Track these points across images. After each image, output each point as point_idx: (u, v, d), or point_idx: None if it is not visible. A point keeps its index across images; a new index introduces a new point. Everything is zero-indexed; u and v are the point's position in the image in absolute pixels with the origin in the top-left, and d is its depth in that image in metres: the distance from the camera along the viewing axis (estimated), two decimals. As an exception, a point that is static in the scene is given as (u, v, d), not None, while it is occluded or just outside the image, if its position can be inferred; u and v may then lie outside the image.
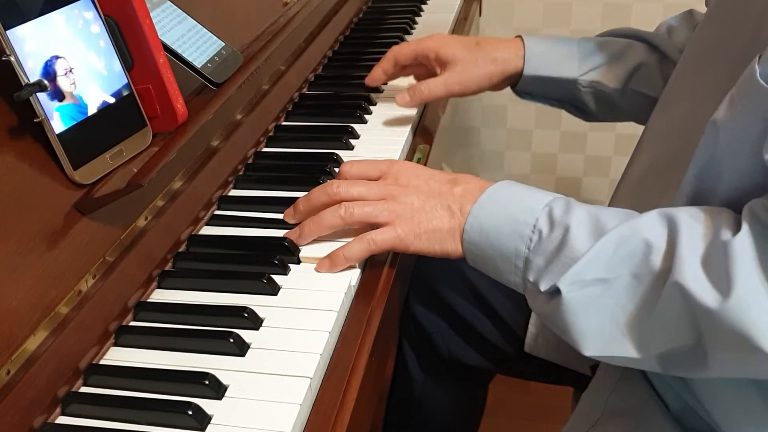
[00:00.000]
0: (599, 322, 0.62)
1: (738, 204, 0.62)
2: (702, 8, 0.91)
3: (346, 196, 0.73)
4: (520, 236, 0.66)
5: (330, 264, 0.70)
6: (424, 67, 1.00)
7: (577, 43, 0.99)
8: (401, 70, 1.01)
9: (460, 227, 0.70)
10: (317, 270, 0.71)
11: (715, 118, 0.63)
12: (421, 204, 0.71)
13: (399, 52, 0.99)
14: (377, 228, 0.71)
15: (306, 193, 0.76)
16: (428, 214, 0.71)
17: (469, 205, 0.70)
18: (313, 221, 0.73)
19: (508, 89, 1.03)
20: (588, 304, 0.62)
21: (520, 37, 1.00)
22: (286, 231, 0.75)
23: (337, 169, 0.86)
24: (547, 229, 0.65)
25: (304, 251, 0.73)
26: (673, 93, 0.83)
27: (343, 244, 0.71)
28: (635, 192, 0.81)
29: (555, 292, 0.63)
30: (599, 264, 0.62)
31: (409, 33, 1.29)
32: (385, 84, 1.07)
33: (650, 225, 0.62)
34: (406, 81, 1.05)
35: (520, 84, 0.99)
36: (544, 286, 0.64)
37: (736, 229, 0.58)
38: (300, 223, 0.74)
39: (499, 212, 0.68)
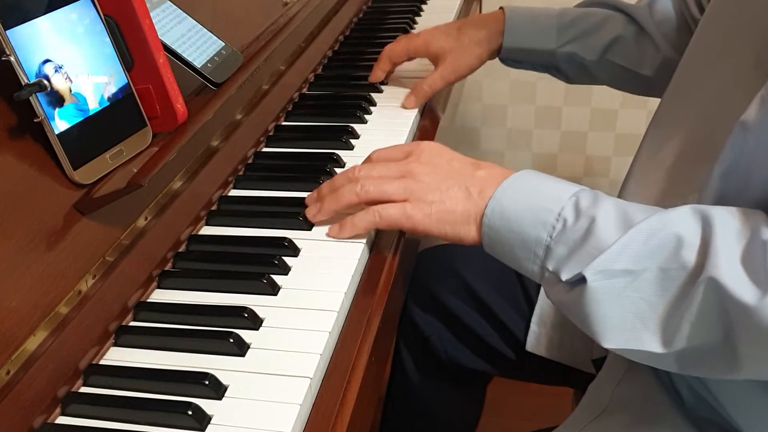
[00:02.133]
0: (622, 314, 0.61)
1: (765, 204, 0.61)
2: None
3: (366, 176, 0.73)
4: (542, 224, 0.65)
5: (338, 229, 0.73)
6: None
7: (557, 14, 1.04)
8: (396, 65, 1.08)
9: (478, 211, 0.68)
10: (328, 235, 0.73)
11: (744, 120, 0.62)
12: (437, 183, 0.70)
13: (392, 52, 1.05)
14: None
15: (312, 191, 0.78)
16: (443, 193, 0.70)
17: (491, 189, 0.68)
18: (331, 197, 0.74)
19: (508, 97, 1.06)
20: (612, 295, 0.61)
21: (502, 9, 1.05)
22: (304, 207, 0.77)
23: (337, 169, 0.86)
24: (572, 218, 0.64)
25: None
26: (686, 83, 0.82)
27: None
28: (652, 187, 0.80)
29: (579, 281, 0.62)
30: (627, 255, 0.61)
31: (409, 32, 1.29)
32: (384, 83, 1.08)
33: (682, 220, 0.61)
34: (404, 76, 1.08)
35: (502, 54, 1.06)
36: (566, 275, 0.63)
37: None
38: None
39: (523, 198, 0.67)
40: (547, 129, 1.93)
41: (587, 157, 1.96)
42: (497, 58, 1.07)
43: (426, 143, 0.76)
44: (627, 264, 0.60)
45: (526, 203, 0.66)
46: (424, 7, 1.41)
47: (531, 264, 0.66)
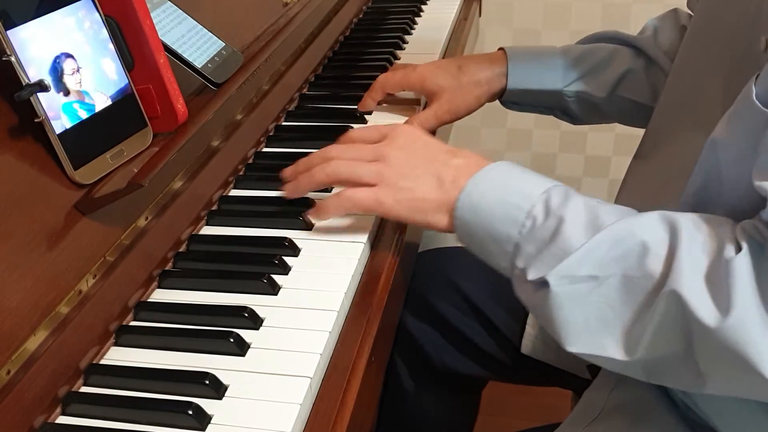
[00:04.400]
0: (585, 318, 0.61)
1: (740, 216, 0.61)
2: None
3: (339, 156, 0.72)
4: (513, 221, 0.64)
5: (315, 212, 0.73)
6: None
7: (562, 52, 0.99)
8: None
9: (450, 201, 0.67)
10: (311, 216, 0.74)
11: (714, 137, 0.62)
12: (409, 169, 0.70)
13: (386, 83, 1.00)
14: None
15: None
16: (414, 180, 0.69)
17: (464, 179, 0.67)
18: (305, 176, 0.74)
19: None
20: (576, 300, 0.61)
21: (502, 49, 1.00)
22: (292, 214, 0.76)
23: (337, 169, 0.86)
24: (542, 217, 0.63)
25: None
26: (670, 101, 0.83)
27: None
28: (646, 192, 0.80)
29: (543, 283, 0.62)
30: (592, 261, 0.60)
31: (409, 33, 1.29)
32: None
33: (650, 227, 0.61)
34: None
35: (505, 97, 1.00)
36: (532, 276, 0.62)
37: (738, 245, 0.57)
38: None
39: (494, 193, 0.66)
40: (547, 129, 1.92)
41: (587, 157, 1.96)
42: (497, 101, 1.02)
43: (404, 126, 0.75)
44: (591, 270, 0.60)
45: (497, 198, 0.65)
46: (424, 7, 1.41)
47: (501, 260, 0.66)
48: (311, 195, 0.78)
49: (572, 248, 0.61)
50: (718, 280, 0.56)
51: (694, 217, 0.61)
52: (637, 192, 0.83)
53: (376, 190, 0.69)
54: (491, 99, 1.01)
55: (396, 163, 0.70)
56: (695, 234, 0.59)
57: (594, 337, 0.61)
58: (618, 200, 0.87)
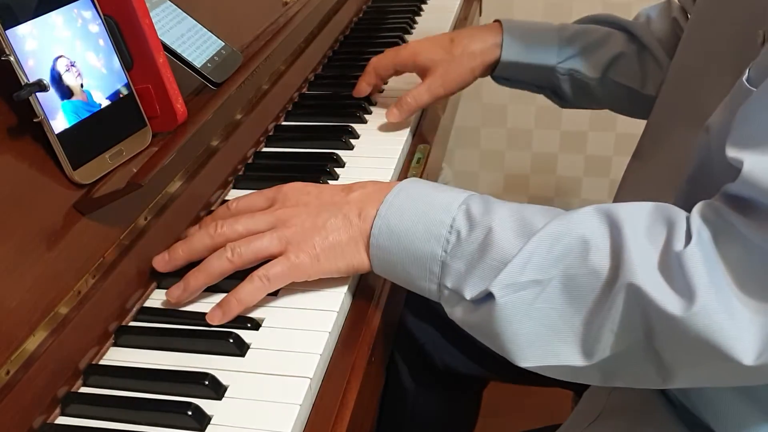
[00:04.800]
0: (534, 328, 0.58)
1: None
2: None
3: (231, 234, 0.65)
4: (435, 237, 0.61)
5: (222, 313, 0.63)
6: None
7: (557, 29, 0.99)
8: (384, 79, 1.02)
9: (364, 234, 0.64)
10: (207, 319, 0.63)
11: (708, 124, 0.62)
12: (312, 222, 0.65)
13: (378, 65, 0.99)
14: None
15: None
16: (322, 230, 0.64)
17: (374, 208, 0.64)
18: (199, 271, 0.64)
19: (508, 96, 1.03)
20: (522, 309, 0.58)
21: (498, 21, 0.99)
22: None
23: (337, 169, 0.86)
24: (465, 229, 0.60)
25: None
26: (669, 99, 0.83)
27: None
28: (644, 191, 0.80)
29: (485, 297, 0.59)
30: (533, 265, 0.57)
31: (409, 33, 1.29)
32: (385, 83, 1.07)
33: (586, 221, 0.58)
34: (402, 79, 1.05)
35: (497, 70, 0.99)
36: (470, 293, 0.59)
37: (688, 234, 0.55)
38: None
39: (411, 211, 0.62)
40: (547, 129, 1.92)
41: (587, 156, 1.96)
42: (489, 76, 1.02)
43: (287, 186, 0.70)
44: (533, 274, 0.57)
45: (415, 216, 0.62)
46: (424, 7, 1.41)
47: (427, 282, 0.62)
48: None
49: (508, 256, 0.58)
50: (671, 271, 0.54)
51: (631, 207, 0.59)
52: (636, 191, 0.83)
53: (288, 257, 0.63)
54: (485, 71, 1.00)
55: (296, 221, 0.65)
56: (637, 223, 0.57)
57: (546, 346, 0.58)
58: (617, 199, 0.87)
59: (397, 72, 1.00)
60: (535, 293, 0.57)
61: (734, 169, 0.55)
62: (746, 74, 0.58)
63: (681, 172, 0.67)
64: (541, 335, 0.58)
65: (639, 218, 0.58)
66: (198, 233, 0.67)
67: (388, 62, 0.99)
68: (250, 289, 0.63)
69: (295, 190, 0.69)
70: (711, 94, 0.71)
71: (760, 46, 0.64)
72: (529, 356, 0.59)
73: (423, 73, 0.97)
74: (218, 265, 0.64)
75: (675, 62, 0.83)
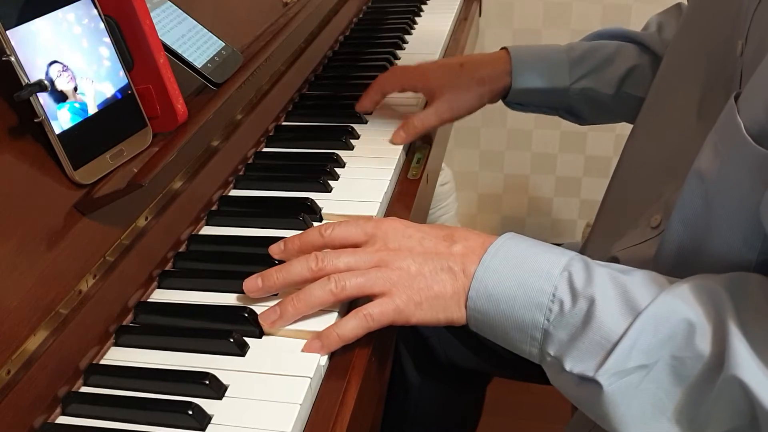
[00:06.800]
0: (641, 409, 0.58)
1: (731, 255, 0.60)
2: None
3: (332, 269, 0.64)
4: (537, 305, 0.60)
5: (321, 345, 0.61)
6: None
7: (566, 50, 0.98)
8: (387, 96, 1.01)
9: (464, 290, 0.63)
10: (304, 351, 0.61)
11: (699, 168, 0.61)
12: (418, 268, 0.63)
13: (385, 83, 0.98)
14: (372, 300, 0.63)
15: (312, 191, 0.73)
16: (428, 279, 0.63)
17: (473, 266, 0.63)
18: (299, 299, 0.63)
19: None
20: (629, 392, 0.58)
21: (505, 49, 0.99)
22: (240, 295, 0.66)
23: (337, 169, 0.86)
24: (569, 299, 0.59)
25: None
26: (655, 105, 0.83)
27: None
28: (628, 197, 0.80)
29: (591, 381, 0.58)
30: (639, 349, 0.57)
31: (409, 33, 1.29)
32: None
33: (689, 302, 0.57)
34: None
35: (509, 96, 0.99)
36: (572, 367, 0.59)
37: None
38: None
39: (509, 276, 0.61)
40: (547, 129, 1.93)
41: (587, 157, 1.96)
42: (502, 101, 1.01)
43: (386, 223, 0.68)
44: (640, 359, 0.57)
45: (514, 282, 0.61)
46: (424, 7, 1.41)
47: (528, 346, 0.62)
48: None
49: (612, 334, 0.58)
50: None
51: (730, 285, 0.58)
52: (632, 169, 0.83)
53: (392, 299, 0.62)
54: (494, 98, 0.99)
55: (401, 264, 0.63)
56: (740, 306, 0.56)
57: (652, 423, 0.58)
58: (613, 179, 0.87)
59: (403, 90, 0.99)
60: (642, 375, 0.57)
61: (744, 216, 0.56)
62: (740, 122, 0.57)
63: (674, 151, 0.67)
64: (646, 413, 0.58)
65: (740, 298, 0.57)
66: (297, 263, 0.65)
67: (395, 81, 0.98)
68: (353, 326, 0.62)
69: (396, 231, 0.67)
70: (689, 101, 0.71)
71: (739, 56, 0.65)
72: None
73: (430, 95, 0.97)
74: (320, 296, 0.63)
75: (671, 46, 0.84)
